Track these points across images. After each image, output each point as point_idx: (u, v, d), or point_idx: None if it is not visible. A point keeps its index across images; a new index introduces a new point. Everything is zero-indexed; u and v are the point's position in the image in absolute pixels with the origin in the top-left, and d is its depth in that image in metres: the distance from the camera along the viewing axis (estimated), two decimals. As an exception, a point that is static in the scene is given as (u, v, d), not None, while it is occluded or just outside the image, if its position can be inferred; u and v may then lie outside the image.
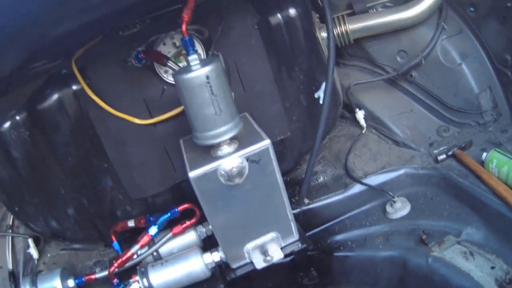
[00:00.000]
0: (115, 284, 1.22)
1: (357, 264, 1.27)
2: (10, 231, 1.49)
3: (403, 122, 1.45)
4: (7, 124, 1.19)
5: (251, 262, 1.18)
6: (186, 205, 1.22)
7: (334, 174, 1.40)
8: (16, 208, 1.34)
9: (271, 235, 1.16)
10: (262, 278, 1.21)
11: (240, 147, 1.05)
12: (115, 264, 1.20)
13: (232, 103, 1.03)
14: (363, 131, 1.47)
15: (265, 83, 1.27)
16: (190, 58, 0.97)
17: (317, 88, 1.33)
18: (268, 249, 1.16)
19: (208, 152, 1.07)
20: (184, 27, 0.96)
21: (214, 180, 1.04)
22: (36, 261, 1.51)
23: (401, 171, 1.35)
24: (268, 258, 1.14)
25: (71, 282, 1.29)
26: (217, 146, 1.05)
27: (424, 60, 1.39)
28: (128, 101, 1.21)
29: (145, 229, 1.22)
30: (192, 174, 1.03)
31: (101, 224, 1.37)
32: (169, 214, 1.22)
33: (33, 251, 1.48)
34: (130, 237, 1.35)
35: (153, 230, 1.20)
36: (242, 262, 1.19)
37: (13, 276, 1.42)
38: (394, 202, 1.29)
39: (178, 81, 0.98)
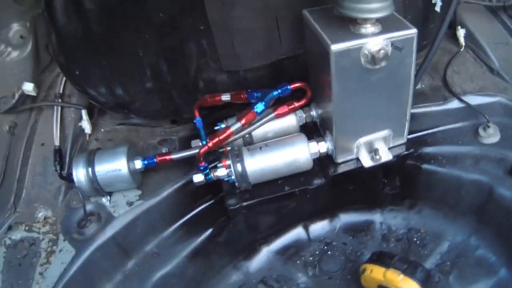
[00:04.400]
0: (202, 167, 1.16)
1: (443, 181, 1.32)
2: (60, 100, 1.38)
3: (499, 52, 1.49)
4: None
5: (357, 159, 1.19)
6: (299, 84, 1.18)
7: (432, 84, 1.43)
8: (77, 72, 1.22)
9: (385, 132, 1.16)
10: (343, 178, 1.22)
11: (385, 30, 1.02)
12: (210, 144, 1.14)
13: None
14: (461, 49, 1.51)
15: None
16: None
17: (436, -7, 1.33)
18: (376, 147, 1.18)
19: (347, 28, 1.02)
20: None
21: (354, 59, 1.00)
22: (88, 137, 1.41)
23: (496, 98, 1.39)
24: (377, 157, 1.16)
25: (138, 163, 1.23)
26: (363, 23, 1.00)
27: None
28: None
29: (248, 105, 1.17)
30: (335, 47, 0.98)
31: (178, 96, 1.28)
32: (279, 91, 1.17)
33: (86, 125, 1.38)
34: (208, 115, 1.28)
35: (259, 107, 1.15)
36: (348, 158, 1.19)
37: (60, 155, 1.34)
38: (488, 126, 1.33)
39: None
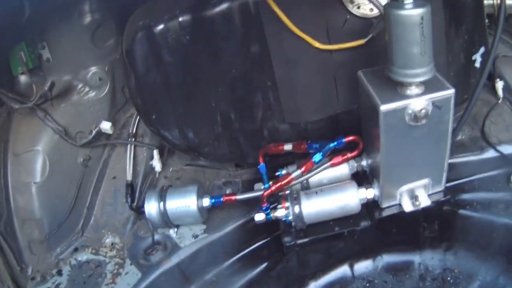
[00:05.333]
0: (264, 208, 1.34)
1: (477, 225, 1.46)
2: (133, 140, 1.58)
3: (534, 103, 1.64)
4: (161, 26, 1.26)
5: (399, 205, 1.34)
6: (352, 137, 1.36)
7: (471, 135, 1.59)
8: (153, 116, 1.41)
9: (425, 180, 1.32)
10: (387, 221, 1.38)
11: (427, 91, 1.17)
12: (273, 188, 1.33)
13: (432, 48, 1.15)
14: (499, 101, 1.65)
15: (437, 33, 1.37)
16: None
17: (476, 51, 1.49)
18: (417, 194, 1.33)
19: (395, 89, 1.19)
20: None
21: (399, 117, 1.17)
22: (157, 174, 1.61)
23: (528, 147, 1.54)
24: (417, 203, 1.30)
25: (206, 201, 1.40)
26: (407, 85, 1.16)
27: None
28: (309, 23, 1.29)
29: (307, 156, 1.37)
30: (384, 107, 1.15)
31: (245, 142, 1.47)
32: (335, 143, 1.35)
33: (157, 163, 1.57)
34: (269, 161, 1.44)
35: (317, 157, 1.34)
36: (392, 203, 1.35)
37: (131, 189, 1.53)
38: (521, 174, 1.49)
39: (392, 15, 1.08)
